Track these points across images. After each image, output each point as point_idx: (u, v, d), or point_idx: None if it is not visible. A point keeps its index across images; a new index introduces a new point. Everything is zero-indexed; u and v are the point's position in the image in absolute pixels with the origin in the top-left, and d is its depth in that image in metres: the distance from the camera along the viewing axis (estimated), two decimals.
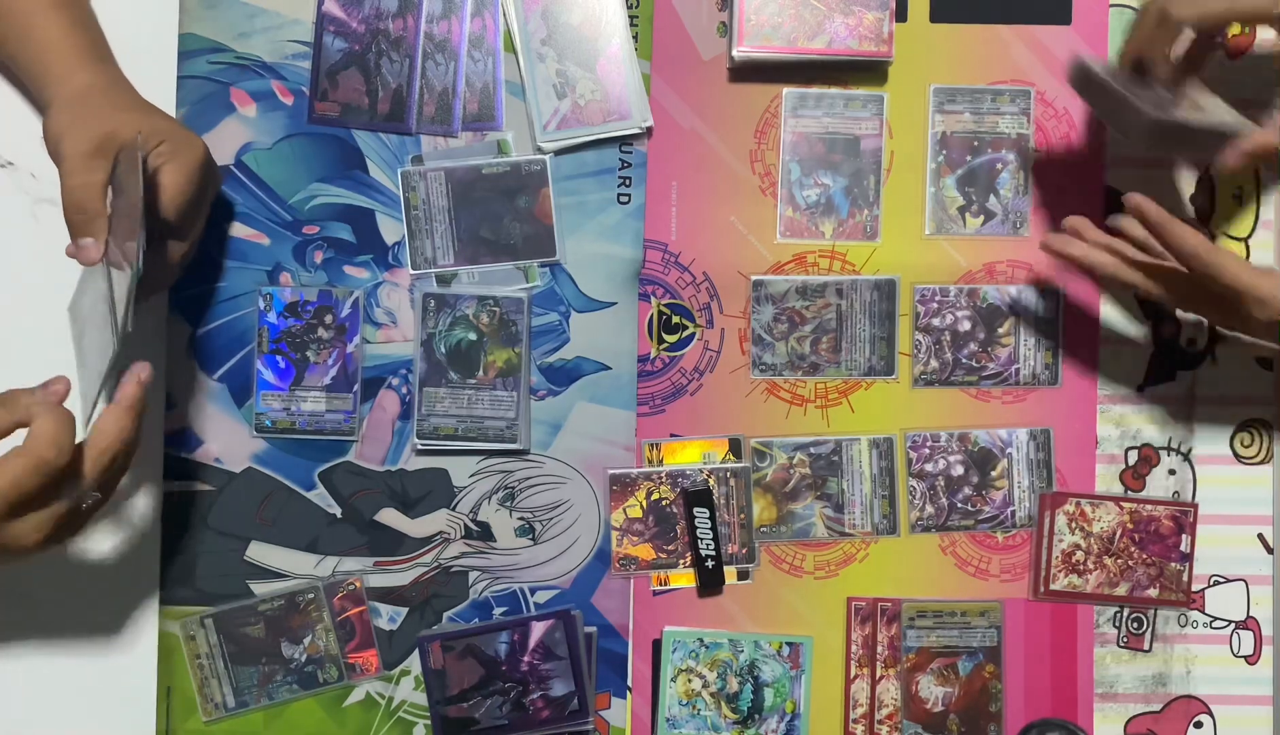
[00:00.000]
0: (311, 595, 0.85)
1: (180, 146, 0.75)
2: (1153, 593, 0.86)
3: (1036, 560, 0.86)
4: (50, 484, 0.68)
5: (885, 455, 0.86)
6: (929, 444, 0.86)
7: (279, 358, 0.85)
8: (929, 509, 0.87)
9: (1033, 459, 0.87)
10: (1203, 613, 0.87)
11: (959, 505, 0.87)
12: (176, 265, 0.77)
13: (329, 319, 0.85)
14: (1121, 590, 0.85)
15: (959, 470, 0.86)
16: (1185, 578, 0.86)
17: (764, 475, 0.86)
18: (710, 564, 0.86)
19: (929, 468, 0.87)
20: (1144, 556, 0.85)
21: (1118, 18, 0.87)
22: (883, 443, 0.86)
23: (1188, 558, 0.86)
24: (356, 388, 0.85)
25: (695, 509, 0.85)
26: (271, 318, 0.85)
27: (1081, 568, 0.85)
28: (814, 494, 0.86)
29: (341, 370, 0.85)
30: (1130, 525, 0.86)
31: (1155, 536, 0.86)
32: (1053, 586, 0.85)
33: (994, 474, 0.87)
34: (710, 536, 0.85)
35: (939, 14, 0.86)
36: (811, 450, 0.86)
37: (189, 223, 0.77)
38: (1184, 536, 0.86)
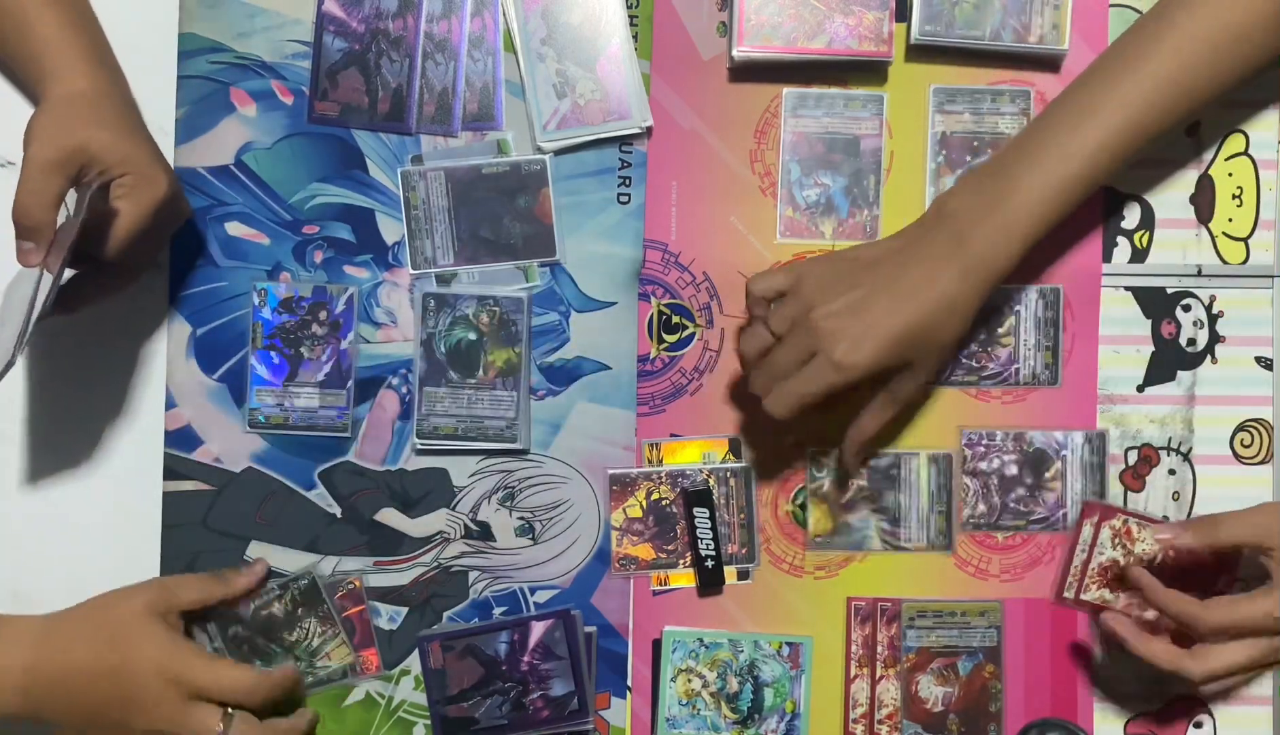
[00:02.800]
0: (305, 581, 0.85)
1: (142, 183, 0.75)
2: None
3: (1067, 565, 0.84)
4: None
5: (943, 472, 0.86)
6: (984, 443, 0.86)
7: (273, 353, 0.85)
8: (981, 507, 0.87)
9: (1086, 462, 0.86)
10: None
11: (1011, 505, 0.87)
12: (106, 292, 0.79)
13: (323, 315, 0.85)
14: (1150, 615, 0.82)
15: (1013, 470, 0.86)
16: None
17: (820, 485, 0.86)
18: (710, 564, 0.86)
19: (983, 466, 0.86)
20: (1179, 588, 0.80)
21: (1118, 18, 0.86)
22: (941, 458, 0.86)
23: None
24: (350, 384, 0.85)
25: (695, 509, 0.85)
26: (266, 313, 0.85)
27: (1115, 587, 0.83)
28: (871, 507, 0.86)
29: (335, 367, 0.85)
30: (1174, 554, 0.83)
31: (1197, 568, 0.83)
32: (1083, 596, 0.84)
33: (1048, 475, 0.87)
34: (710, 536, 0.85)
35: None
36: (870, 464, 0.86)
37: (134, 257, 0.77)
38: (1224, 577, 0.84)
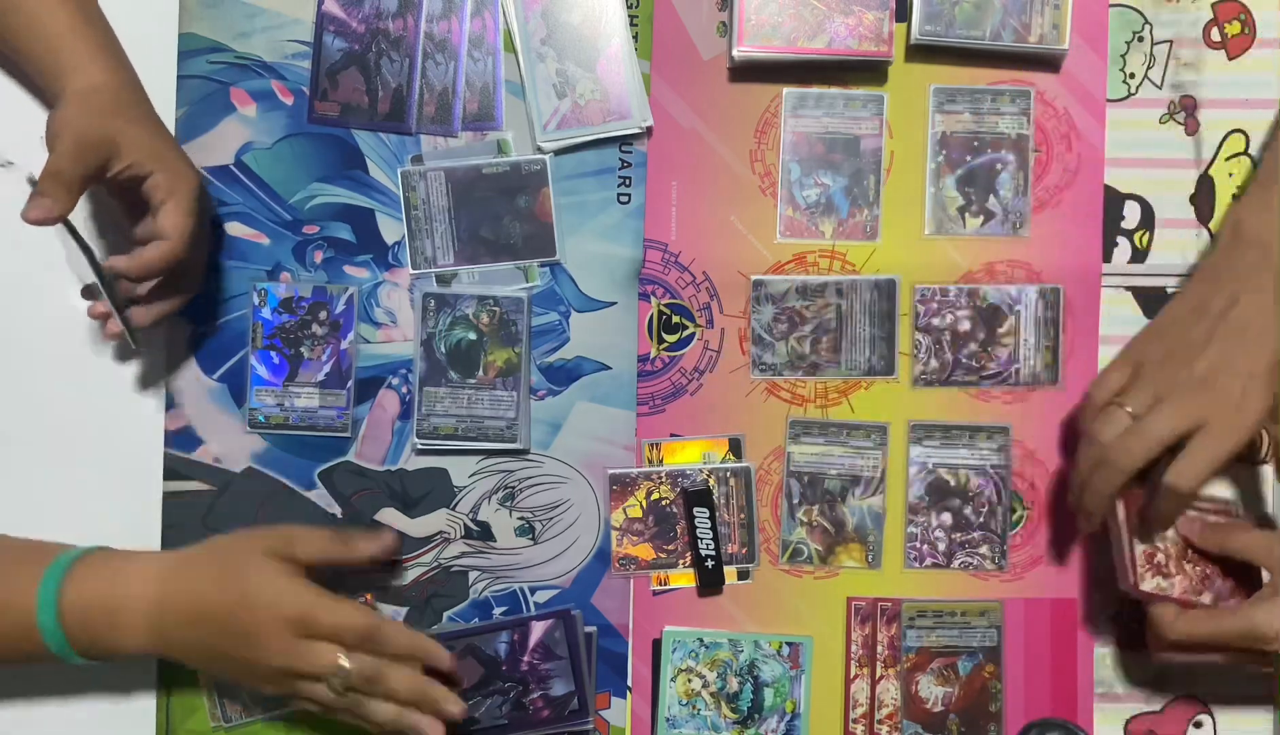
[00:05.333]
0: None
1: (175, 178, 0.75)
2: (1233, 603, 0.79)
3: (1123, 556, 0.80)
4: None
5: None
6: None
7: (273, 353, 0.85)
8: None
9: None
10: None
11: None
12: (177, 301, 0.80)
13: (323, 315, 0.85)
14: (1206, 599, 0.80)
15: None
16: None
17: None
18: (710, 564, 0.86)
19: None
20: (1220, 569, 0.80)
21: (1118, 18, 0.87)
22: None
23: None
24: (350, 384, 0.85)
25: (695, 509, 0.85)
26: (265, 313, 0.85)
27: (1165, 570, 0.81)
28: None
29: (335, 367, 0.85)
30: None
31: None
32: (1143, 586, 0.80)
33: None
34: (710, 536, 0.85)
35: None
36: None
37: (195, 253, 0.78)
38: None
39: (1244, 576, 0.80)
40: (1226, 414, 0.74)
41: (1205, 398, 0.75)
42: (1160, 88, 0.87)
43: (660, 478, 0.86)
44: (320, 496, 0.86)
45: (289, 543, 0.77)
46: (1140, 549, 0.80)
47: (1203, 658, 0.79)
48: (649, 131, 0.86)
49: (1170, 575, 0.80)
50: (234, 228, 0.85)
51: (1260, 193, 0.79)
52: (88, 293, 0.82)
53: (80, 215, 0.84)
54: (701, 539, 0.85)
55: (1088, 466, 0.78)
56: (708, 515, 0.86)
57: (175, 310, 0.81)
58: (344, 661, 0.74)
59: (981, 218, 0.87)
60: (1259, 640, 0.75)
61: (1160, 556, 0.80)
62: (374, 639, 0.75)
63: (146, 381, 0.85)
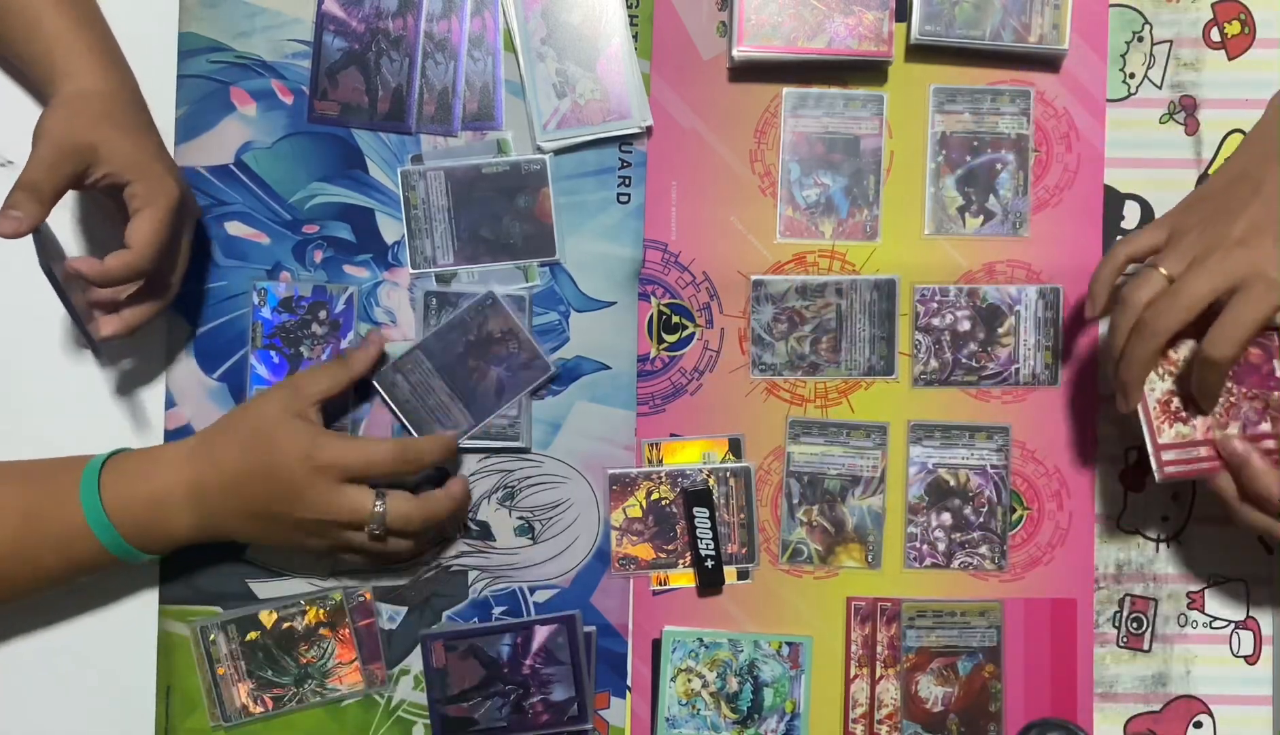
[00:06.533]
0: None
1: (154, 189, 0.75)
2: (1265, 427, 0.78)
3: (1154, 445, 0.78)
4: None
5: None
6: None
7: (273, 353, 0.85)
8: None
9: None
10: (1202, 613, 0.87)
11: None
12: (151, 308, 0.80)
13: (323, 315, 0.85)
14: (1234, 430, 0.78)
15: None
16: None
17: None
18: (710, 564, 0.85)
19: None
20: (1244, 391, 0.78)
21: (1118, 18, 0.87)
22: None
23: None
24: None
25: (695, 509, 0.85)
26: (265, 313, 0.85)
27: (1183, 415, 0.78)
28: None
29: None
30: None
31: (1249, 368, 0.78)
32: (1161, 440, 0.78)
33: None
34: (710, 536, 0.85)
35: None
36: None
37: (165, 265, 0.78)
38: (1275, 363, 0.78)
39: (1266, 384, 0.78)
40: (1265, 274, 0.72)
41: (1243, 257, 0.73)
42: (1160, 88, 0.87)
43: (660, 478, 0.86)
44: None
45: (298, 392, 0.79)
46: (1155, 399, 0.78)
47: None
48: (649, 131, 0.86)
49: (1189, 419, 0.78)
50: (234, 227, 0.85)
51: None
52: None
53: (64, 215, 0.84)
54: (701, 539, 0.85)
55: (1123, 333, 0.76)
56: (708, 515, 0.85)
57: (144, 321, 0.80)
58: (378, 506, 0.77)
59: (981, 218, 0.87)
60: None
61: (1176, 401, 0.78)
62: (405, 459, 0.79)
63: (146, 381, 0.85)
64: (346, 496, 0.77)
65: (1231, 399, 0.78)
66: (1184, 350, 0.77)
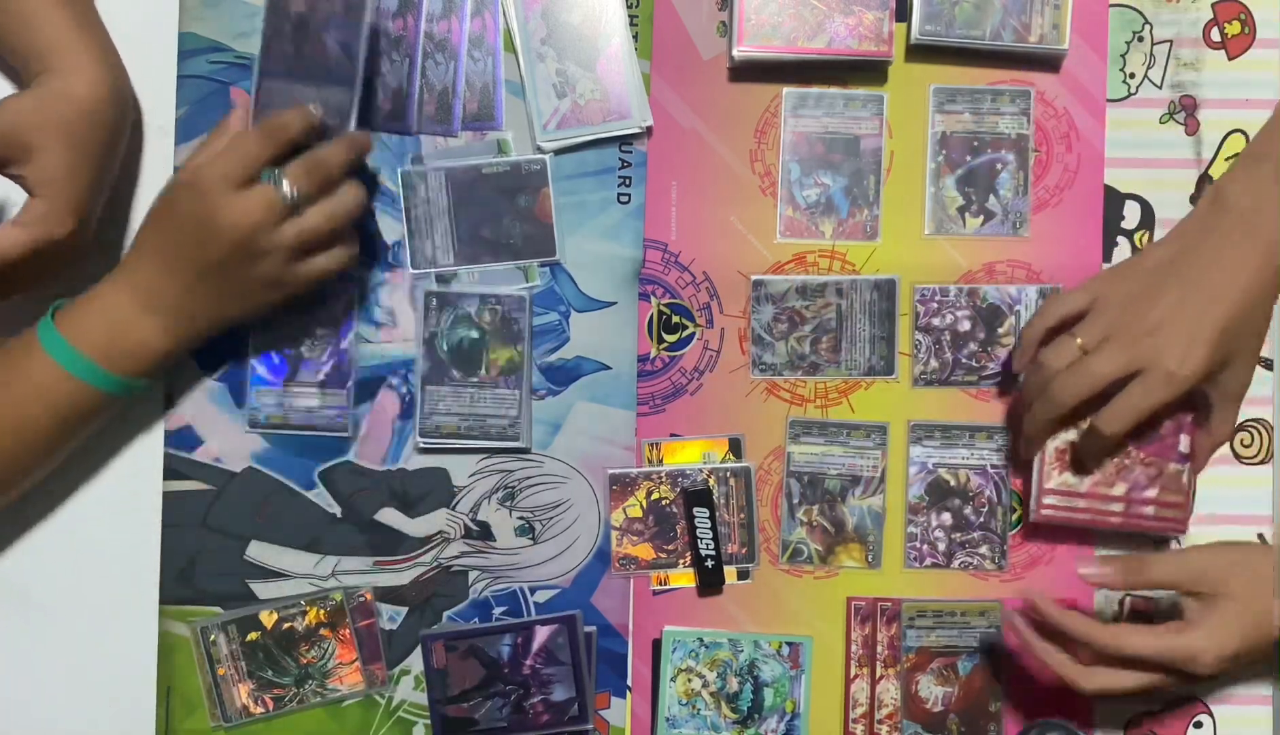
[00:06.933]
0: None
1: (48, 220, 0.75)
2: (1151, 494, 0.82)
3: (1037, 486, 0.84)
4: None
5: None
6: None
7: (273, 353, 0.85)
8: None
9: None
10: None
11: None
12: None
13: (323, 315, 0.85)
14: (1118, 490, 0.82)
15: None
16: (1185, 480, 0.82)
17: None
18: (710, 564, 0.85)
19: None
20: (1143, 456, 0.82)
21: (1118, 18, 0.87)
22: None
23: (1187, 459, 0.82)
24: (350, 384, 0.85)
25: (695, 509, 0.85)
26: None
27: (1077, 469, 0.83)
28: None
29: (335, 367, 0.85)
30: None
31: (1154, 436, 0.82)
32: (1047, 484, 0.83)
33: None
34: (710, 536, 0.85)
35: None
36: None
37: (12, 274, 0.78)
38: (1182, 437, 0.82)
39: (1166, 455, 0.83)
40: (1165, 365, 0.76)
41: (1149, 346, 0.77)
42: (1160, 88, 0.87)
43: (660, 478, 0.86)
44: (320, 496, 0.86)
45: (190, 168, 0.77)
46: (1053, 446, 0.83)
47: (1128, 694, 0.79)
48: (649, 131, 0.86)
49: (1078, 471, 0.83)
50: None
51: (1246, 165, 0.80)
52: None
53: None
54: (701, 539, 0.85)
55: (1032, 393, 0.81)
56: (708, 515, 0.85)
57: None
58: (276, 176, 0.75)
59: (981, 218, 0.87)
60: (1188, 662, 0.76)
61: (1071, 453, 0.83)
62: (272, 133, 0.76)
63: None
64: (251, 196, 0.74)
65: (1127, 461, 0.82)
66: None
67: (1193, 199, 0.87)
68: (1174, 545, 0.86)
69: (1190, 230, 0.81)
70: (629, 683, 0.86)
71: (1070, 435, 0.83)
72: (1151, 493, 0.82)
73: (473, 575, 0.86)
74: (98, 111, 0.77)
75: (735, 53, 0.84)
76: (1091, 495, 0.83)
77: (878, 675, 0.86)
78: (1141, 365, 0.77)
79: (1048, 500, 0.83)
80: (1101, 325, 0.78)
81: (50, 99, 0.75)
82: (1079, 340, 0.78)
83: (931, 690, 0.86)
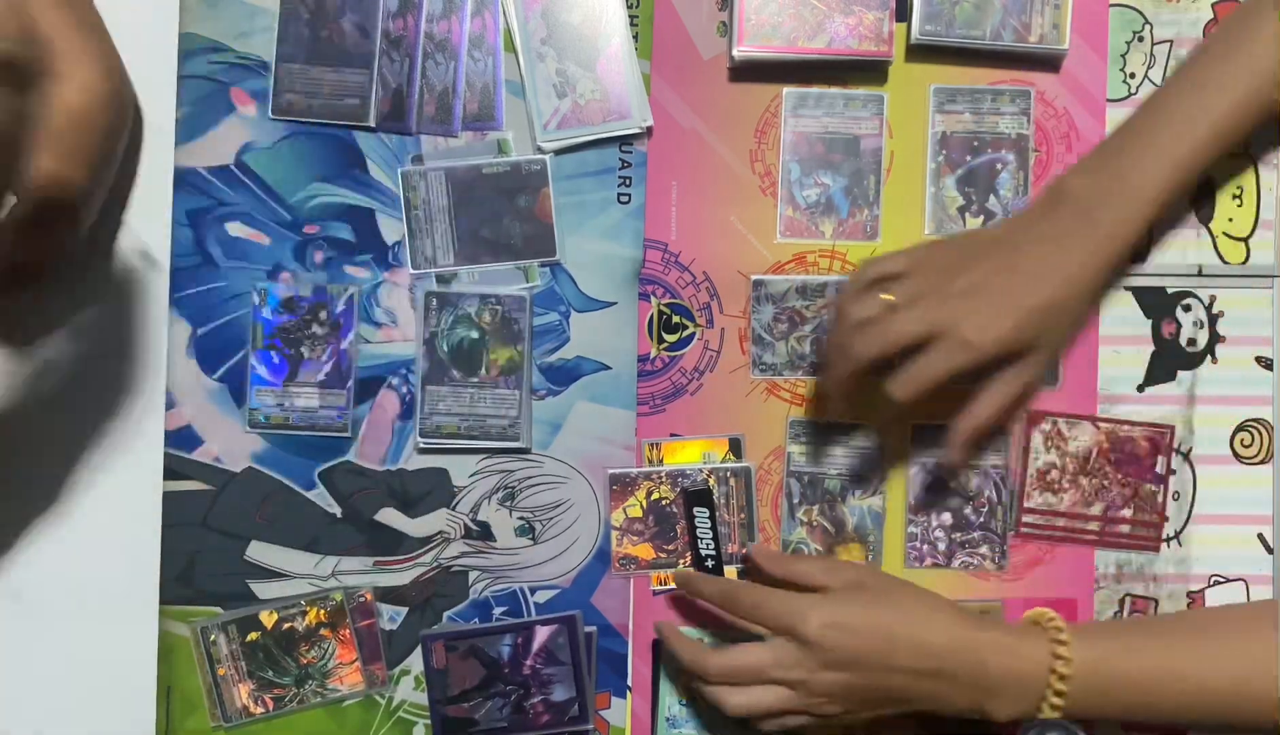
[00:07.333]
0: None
1: (78, 69, 0.70)
2: (1127, 513, 0.85)
3: (1019, 488, 0.86)
4: None
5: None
6: None
7: (273, 353, 0.85)
8: None
9: None
10: None
11: None
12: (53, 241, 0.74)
13: (323, 315, 0.85)
14: (1095, 509, 0.85)
15: None
16: (1160, 499, 0.85)
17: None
18: (710, 564, 0.85)
19: None
20: (1119, 477, 0.85)
21: (1118, 18, 0.87)
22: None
23: (1163, 480, 0.85)
24: (350, 384, 0.85)
25: (695, 509, 0.85)
26: (266, 313, 0.85)
27: (1057, 487, 0.85)
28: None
29: (335, 367, 0.85)
30: (1107, 445, 0.85)
31: (1131, 458, 0.85)
32: (1027, 504, 0.85)
33: None
34: (710, 536, 0.85)
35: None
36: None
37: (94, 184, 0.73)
38: (1160, 458, 0.85)
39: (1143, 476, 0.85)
40: (963, 332, 0.74)
41: (950, 310, 0.75)
42: None
43: (660, 478, 0.86)
44: (320, 496, 0.86)
45: None
46: (1035, 468, 0.85)
47: (772, 714, 0.79)
48: (649, 131, 0.86)
49: (1059, 491, 0.85)
50: (235, 228, 0.85)
51: (1094, 159, 0.80)
52: None
53: None
54: (701, 539, 0.85)
55: (829, 346, 0.79)
56: (708, 515, 0.86)
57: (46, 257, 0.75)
58: None
59: (981, 218, 0.87)
60: (796, 620, 0.76)
61: (1054, 473, 0.84)
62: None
63: (146, 381, 0.85)
64: None
65: (1106, 481, 0.84)
66: (1077, 433, 0.85)
67: (1193, 199, 0.87)
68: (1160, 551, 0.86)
69: (1026, 214, 0.80)
70: (629, 683, 0.86)
71: (1051, 458, 0.84)
72: (1127, 512, 0.85)
73: (473, 575, 0.86)
74: (97, 112, 0.77)
75: (735, 53, 0.84)
76: (1070, 514, 0.85)
77: None
78: (942, 329, 0.75)
79: (1027, 520, 0.85)
80: (912, 287, 0.77)
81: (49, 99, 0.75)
82: (890, 297, 0.76)
83: None
